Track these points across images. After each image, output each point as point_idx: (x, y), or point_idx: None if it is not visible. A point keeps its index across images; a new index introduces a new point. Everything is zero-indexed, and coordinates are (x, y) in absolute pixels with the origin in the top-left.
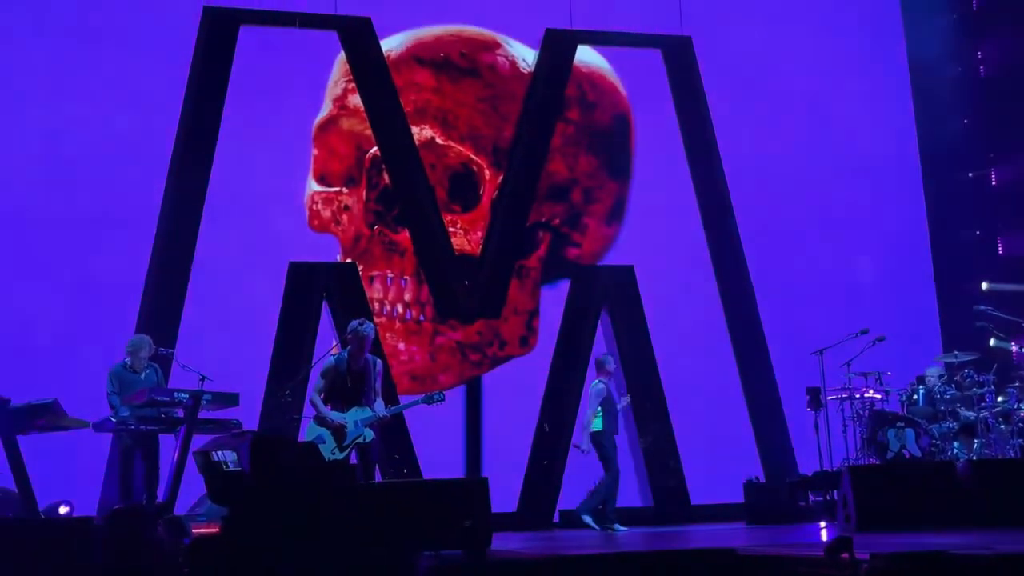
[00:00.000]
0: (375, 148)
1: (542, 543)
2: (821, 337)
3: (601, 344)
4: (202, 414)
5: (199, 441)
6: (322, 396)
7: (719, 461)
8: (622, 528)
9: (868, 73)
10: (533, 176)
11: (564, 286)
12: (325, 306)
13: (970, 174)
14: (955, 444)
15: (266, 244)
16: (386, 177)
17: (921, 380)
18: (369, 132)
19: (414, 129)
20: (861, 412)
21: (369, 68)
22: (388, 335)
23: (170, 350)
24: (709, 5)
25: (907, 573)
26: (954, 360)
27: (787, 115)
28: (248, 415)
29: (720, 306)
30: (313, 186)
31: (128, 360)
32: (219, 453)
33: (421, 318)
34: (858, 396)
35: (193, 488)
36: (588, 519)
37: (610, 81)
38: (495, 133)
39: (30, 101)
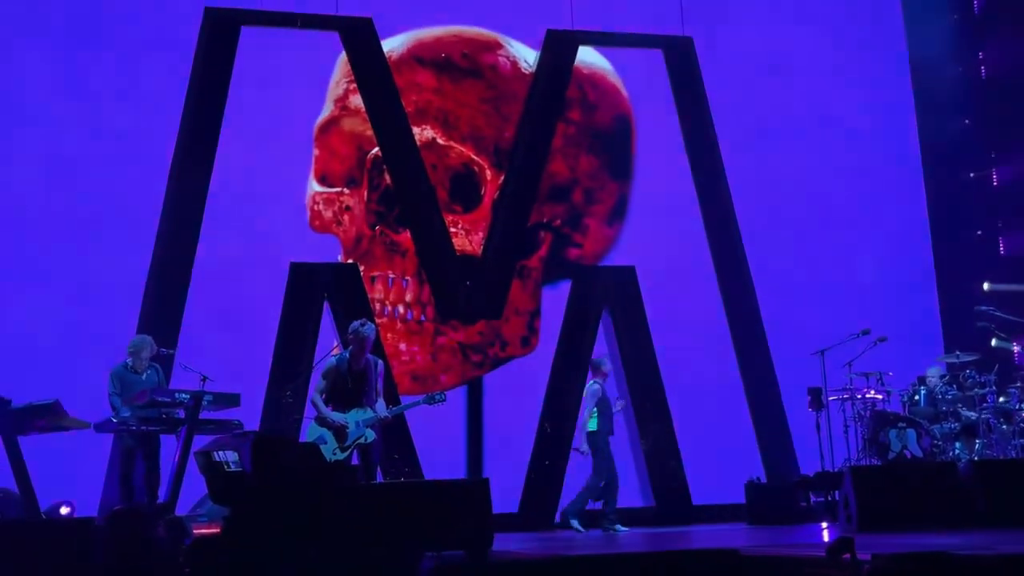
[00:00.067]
0: (376, 148)
1: (543, 544)
2: (822, 337)
3: (602, 344)
4: (203, 414)
5: (200, 441)
6: (323, 397)
7: (720, 461)
8: (623, 529)
9: (869, 73)
10: (534, 176)
11: (565, 286)
12: (326, 307)
13: (971, 174)
14: (957, 444)
15: (267, 245)
16: (387, 178)
17: (922, 380)
18: (370, 132)
19: (415, 129)
20: (862, 412)
21: (370, 68)
22: (389, 335)
23: (171, 350)
24: (710, 6)
25: (909, 574)
26: (955, 360)
27: (788, 115)
28: (249, 416)
29: (721, 306)
30: (314, 186)
31: (129, 361)
32: (220, 453)
33: (422, 318)
34: (859, 396)
35: (194, 488)
36: (575, 523)
37: (611, 82)
38: (496, 133)
39: (31, 101)
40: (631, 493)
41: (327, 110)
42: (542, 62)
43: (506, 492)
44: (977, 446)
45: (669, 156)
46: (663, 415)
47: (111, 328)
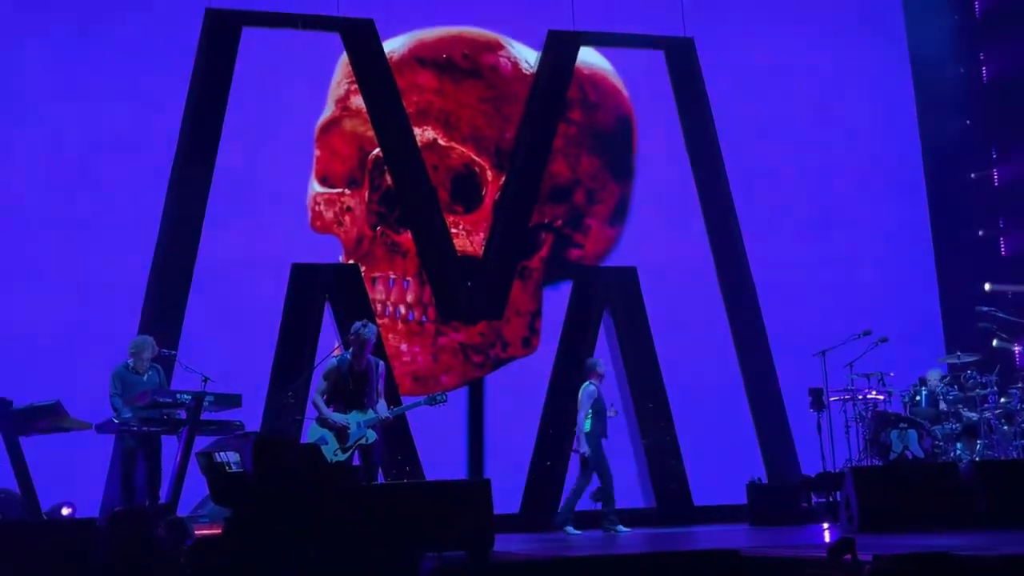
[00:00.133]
0: (377, 149)
1: (545, 544)
2: (824, 338)
3: (603, 345)
4: (205, 415)
5: (201, 442)
6: (324, 398)
7: (722, 462)
8: (625, 529)
9: (870, 74)
10: (535, 177)
11: (566, 287)
12: (327, 307)
13: (972, 174)
14: (958, 445)
15: (268, 245)
16: (388, 178)
17: (923, 381)
18: (371, 133)
19: (416, 130)
20: (864, 413)
21: (371, 69)
22: (390, 336)
23: (173, 351)
24: (711, 6)
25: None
26: (957, 361)
27: (789, 116)
28: (251, 416)
29: (722, 307)
30: (315, 187)
31: (131, 361)
32: (222, 454)
33: (423, 319)
34: (861, 397)
35: (195, 489)
36: (569, 528)
37: (612, 82)
38: (497, 134)
39: (33, 102)
40: (632, 494)
41: (328, 111)
42: (543, 63)
43: (507, 493)
44: (978, 447)
45: (670, 156)
46: (664, 416)
47: (112, 329)
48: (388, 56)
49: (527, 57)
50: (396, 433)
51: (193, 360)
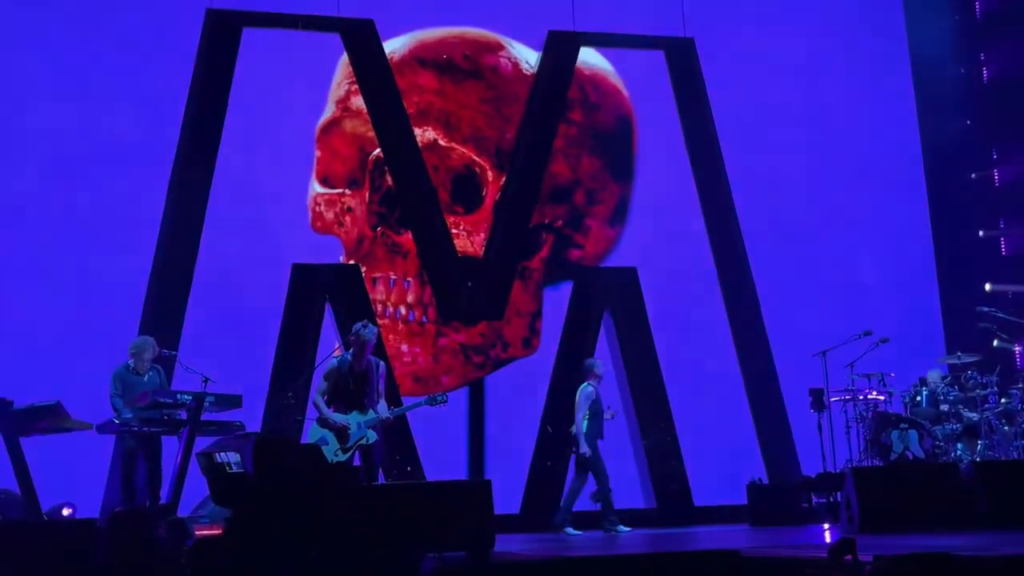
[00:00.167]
0: (378, 150)
1: (545, 545)
2: (824, 338)
3: (604, 345)
4: (205, 416)
5: (202, 443)
6: (325, 398)
7: (722, 462)
8: (625, 528)
9: (871, 74)
10: (536, 178)
11: (567, 288)
12: (328, 308)
13: (973, 175)
14: (958, 445)
15: (269, 246)
16: (389, 179)
17: (924, 381)
18: (372, 134)
19: (417, 131)
20: (864, 413)
21: (372, 70)
22: (391, 337)
23: (173, 352)
24: (711, 7)
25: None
26: (957, 361)
27: (789, 116)
28: (251, 417)
29: (723, 307)
30: (316, 188)
31: (131, 362)
32: (222, 455)
33: (424, 320)
34: (861, 397)
35: (196, 490)
36: (569, 530)
37: (612, 83)
38: (498, 135)
39: (33, 102)
40: (633, 494)
41: (329, 111)
42: (543, 63)
43: (507, 493)
44: (979, 447)
45: (670, 157)
46: (664, 416)
47: (113, 329)
48: (388, 57)
49: (527, 58)
50: (397, 433)
51: (194, 361)
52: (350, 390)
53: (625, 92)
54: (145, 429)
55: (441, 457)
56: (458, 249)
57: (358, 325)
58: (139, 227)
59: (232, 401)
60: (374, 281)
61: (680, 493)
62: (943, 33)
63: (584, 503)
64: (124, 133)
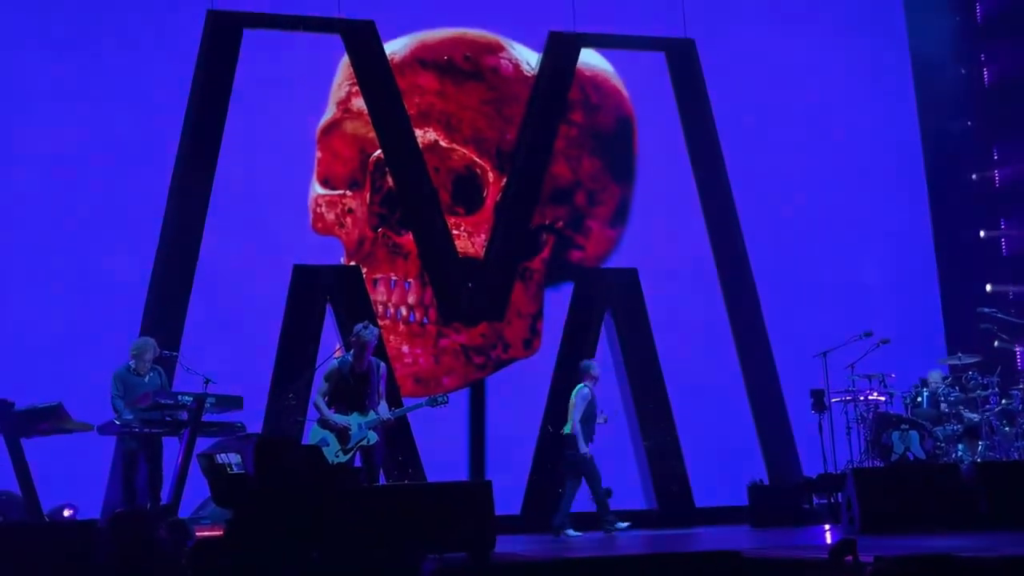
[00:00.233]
0: (379, 151)
1: (546, 546)
2: (825, 339)
3: (604, 346)
4: (206, 417)
5: (203, 444)
6: (326, 399)
7: (723, 463)
8: (624, 524)
9: (872, 74)
10: (536, 179)
11: (567, 288)
12: (329, 309)
13: (974, 175)
14: (959, 446)
15: (270, 247)
16: (390, 180)
17: (925, 382)
18: (373, 135)
19: (418, 132)
20: (865, 414)
21: (373, 71)
22: (392, 338)
23: (174, 353)
24: (712, 8)
25: None
26: (958, 362)
27: (790, 117)
28: (252, 418)
29: (724, 308)
30: (317, 189)
31: (132, 363)
32: (223, 456)
33: (425, 321)
34: (862, 398)
35: (197, 491)
36: (570, 531)
37: (613, 84)
38: (498, 136)
39: (34, 103)
40: (633, 495)
41: (329, 112)
42: (544, 64)
43: (508, 494)
44: (980, 448)
45: (671, 158)
46: (665, 417)
47: (114, 330)
48: (389, 58)
49: (528, 59)
50: (397, 434)
51: (194, 362)
52: (351, 391)
53: (626, 93)
54: (146, 430)
55: (442, 458)
56: (459, 250)
57: (359, 326)
58: (140, 228)
59: (233, 402)
60: (375, 282)
61: (681, 494)
62: (944, 34)
63: (583, 504)
64: (125, 134)
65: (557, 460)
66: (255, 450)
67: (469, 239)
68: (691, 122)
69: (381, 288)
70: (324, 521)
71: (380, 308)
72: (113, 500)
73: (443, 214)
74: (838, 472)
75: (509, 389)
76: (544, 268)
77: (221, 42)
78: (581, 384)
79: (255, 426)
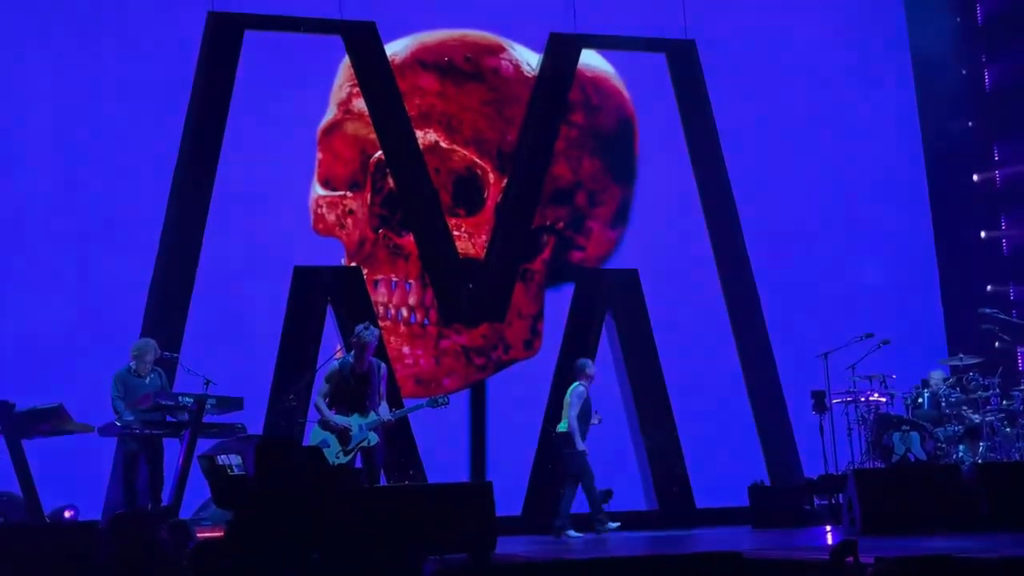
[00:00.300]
0: (379, 152)
1: (547, 547)
2: (826, 340)
3: (605, 347)
4: (207, 418)
5: (204, 445)
6: (327, 400)
7: (724, 465)
8: (614, 524)
9: (872, 76)
10: (537, 180)
11: (568, 289)
12: (330, 310)
13: (975, 176)
14: (960, 447)
15: (271, 248)
16: (391, 181)
17: (926, 383)
18: (374, 136)
19: (418, 133)
20: (866, 415)
21: (373, 72)
22: (393, 339)
23: (175, 354)
24: (713, 9)
25: None
26: (959, 363)
27: (791, 118)
28: (253, 419)
29: (724, 309)
30: (318, 190)
31: (133, 364)
32: (224, 457)
33: (425, 322)
34: (863, 399)
35: (197, 492)
36: (571, 532)
37: (614, 85)
38: (499, 137)
39: (35, 105)
40: (634, 496)
41: (330, 114)
42: (545, 65)
43: (509, 495)
44: (981, 449)
45: (672, 159)
46: (666, 418)
47: (114, 332)
48: (390, 59)
49: (529, 60)
50: (398, 435)
51: (195, 363)
52: (352, 392)
53: (626, 94)
54: (147, 431)
55: (443, 459)
56: (459, 251)
57: (360, 327)
58: (141, 229)
59: (234, 403)
60: (376, 283)
61: (682, 495)
62: (945, 35)
63: (584, 505)
64: (126, 135)
65: (557, 461)
66: (256, 451)
67: (470, 240)
68: (692, 123)
69: (382, 289)
70: (325, 522)
71: (381, 309)
72: (114, 501)
73: (444, 215)
74: (839, 473)
75: (510, 390)
76: (545, 269)
77: (222, 43)
78: (576, 382)
79: (256, 427)
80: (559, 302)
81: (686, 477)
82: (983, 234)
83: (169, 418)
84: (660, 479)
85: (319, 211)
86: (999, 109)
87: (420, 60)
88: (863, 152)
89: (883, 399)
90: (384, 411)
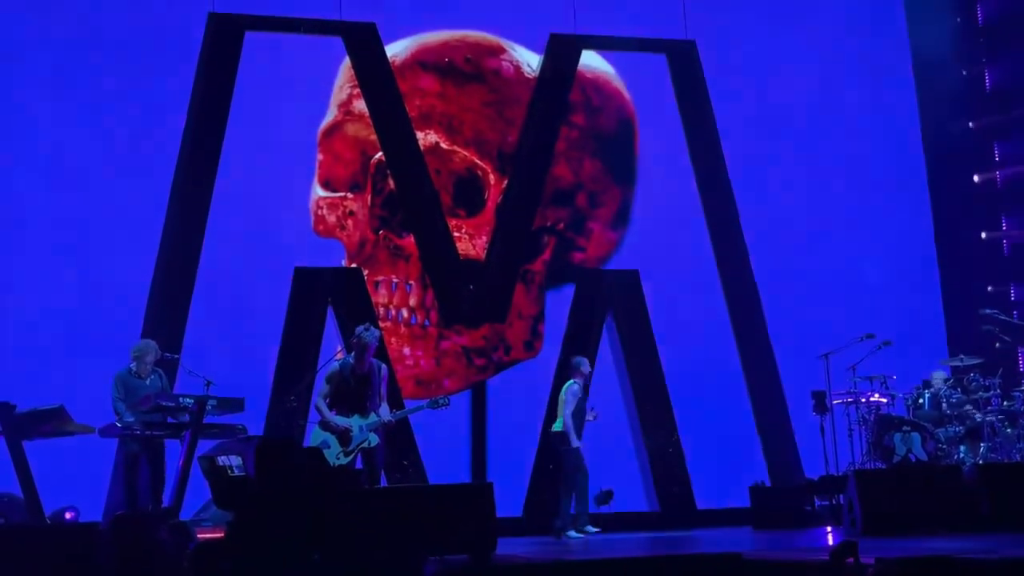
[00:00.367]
0: (380, 153)
1: (547, 547)
2: (827, 341)
3: (606, 348)
4: (207, 419)
5: (204, 446)
6: (327, 401)
7: (725, 465)
8: (594, 529)
9: (872, 76)
10: (538, 181)
11: (569, 290)
12: (330, 311)
13: (975, 176)
14: (961, 448)
15: (271, 249)
16: (391, 182)
17: (927, 384)
18: (374, 137)
19: (419, 134)
20: (867, 416)
21: (374, 73)
22: (393, 340)
23: (176, 355)
24: (713, 10)
25: None
26: (960, 364)
27: (791, 119)
28: (253, 420)
29: (725, 310)
30: (318, 191)
31: (133, 366)
32: (224, 458)
33: (426, 323)
34: (864, 400)
35: (198, 493)
36: (572, 533)
37: (614, 85)
38: (500, 138)
39: (36, 106)
40: (635, 497)
41: (331, 115)
42: (545, 66)
43: (510, 496)
44: (982, 449)
45: (672, 160)
46: (667, 419)
47: (115, 333)
48: (390, 60)
49: (529, 61)
50: (399, 436)
51: (196, 364)
52: (352, 393)
53: (627, 95)
54: (147, 433)
55: (443, 460)
56: (460, 252)
57: (360, 328)
58: (141, 230)
59: (234, 404)
60: (376, 284)
61: (682, 496)
62: (945, 35)
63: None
64: (126, 136)
65: (559, 462)
66: (256, 452)
67: (470, 241)
68: (692, 124)
69: (382, 290)
70: (325, 523)
71: (381, 310)
72: (115, 502)
73: (444, 216)
74: (840, 474)
75: (510, 391)
76: (545, 270)
77: (222, 45)
78: (571, 380)
79: (256, 428)
80: (560, 303)
81: (687, 478)
82: (984, 235)
83: (170, 419)
84: (660, 480)
85: (319, 212)
86: (1000, 109)
87: (420, 61)
88: (863, 152)
89: (884, 400)
90: (385, 412)
